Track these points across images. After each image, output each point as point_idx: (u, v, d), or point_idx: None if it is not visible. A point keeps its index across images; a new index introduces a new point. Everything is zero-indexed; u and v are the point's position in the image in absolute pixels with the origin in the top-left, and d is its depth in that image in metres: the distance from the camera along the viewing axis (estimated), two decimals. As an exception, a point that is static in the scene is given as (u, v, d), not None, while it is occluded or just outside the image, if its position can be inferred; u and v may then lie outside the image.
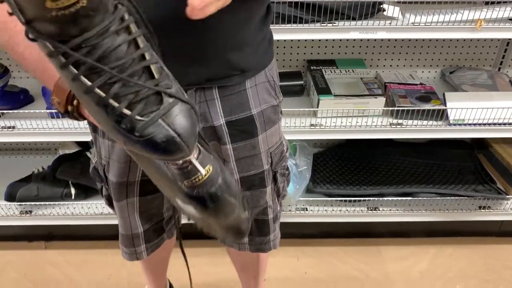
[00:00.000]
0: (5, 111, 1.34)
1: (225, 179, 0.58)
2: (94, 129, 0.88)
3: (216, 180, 0.56)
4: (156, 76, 0.46)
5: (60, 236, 1.70)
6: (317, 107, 1.36)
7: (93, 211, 1.54)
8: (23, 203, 1.51)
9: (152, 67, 0.46)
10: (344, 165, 1.70)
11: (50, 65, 0.44)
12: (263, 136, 0.88)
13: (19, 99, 1.40)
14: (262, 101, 0.85)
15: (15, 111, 1.36)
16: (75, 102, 0.59)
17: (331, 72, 1.49)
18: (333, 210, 1.56)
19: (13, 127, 1.31)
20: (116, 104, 0.44)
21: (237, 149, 0.86)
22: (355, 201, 1.58)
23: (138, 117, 0.45)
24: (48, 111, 1.33)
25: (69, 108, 0.60)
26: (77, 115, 0.61)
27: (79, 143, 1.62)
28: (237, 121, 0.83)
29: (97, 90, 0.44)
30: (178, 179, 0.56)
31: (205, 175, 0.55)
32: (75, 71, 0.43)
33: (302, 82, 1.48)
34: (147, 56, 0.45)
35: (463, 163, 1.70)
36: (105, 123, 0.46)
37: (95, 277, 1.56)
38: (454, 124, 1.34)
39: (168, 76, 0.48)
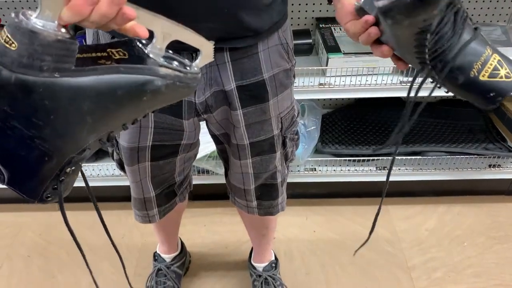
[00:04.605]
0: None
1: None
2: None
3: None
4: None
5: (71, 198, 1.72)
6: (326, 66, 1.34)
7: (104, 172, 1.56)
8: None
9: None
10: (353, 125, 1.69)
11: None
12: (274, 101, 0.86)
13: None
14: (274, 65, 0.83)
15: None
16: None
17: (341, 29, 1.45)
18: (341, 170, 1.57)
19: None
20: None
21: (247, 114, 0.85)
22: (363, 160, 1.58)
23: None
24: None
25: None
26: None
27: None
28: (248, 86, 0.82)
29: None
30: None
31: None
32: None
33: (310, 40, 1.45)
34: None
35: (474, 122, 1.68)
36: None
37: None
38: (466, 82, 1.32)
39: None
